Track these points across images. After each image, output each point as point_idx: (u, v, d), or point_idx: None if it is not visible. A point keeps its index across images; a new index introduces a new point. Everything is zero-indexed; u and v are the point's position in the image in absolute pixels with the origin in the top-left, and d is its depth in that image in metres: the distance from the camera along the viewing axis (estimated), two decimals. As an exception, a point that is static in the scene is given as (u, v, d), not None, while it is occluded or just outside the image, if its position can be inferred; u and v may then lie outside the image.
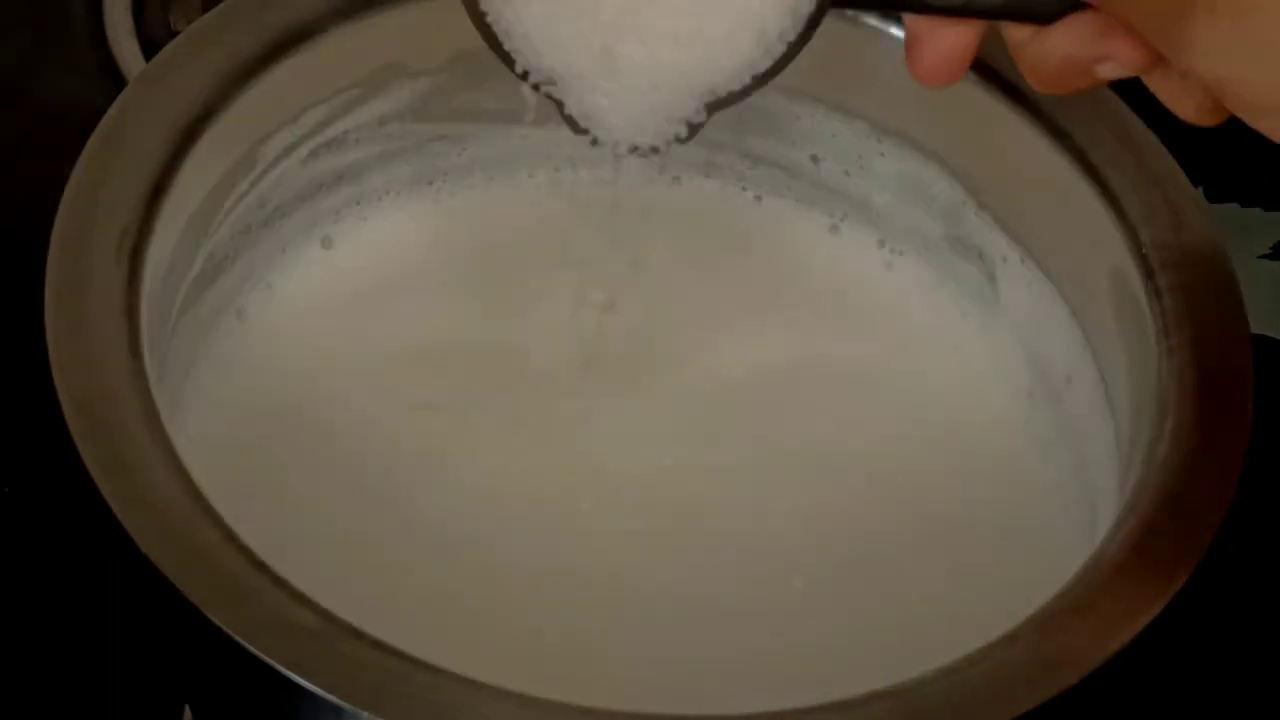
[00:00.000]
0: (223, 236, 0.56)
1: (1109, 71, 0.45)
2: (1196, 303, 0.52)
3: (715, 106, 0.47)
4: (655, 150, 0.47)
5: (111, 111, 0.53)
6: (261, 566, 0.45)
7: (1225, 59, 0.41)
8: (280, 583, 0.44)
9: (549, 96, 0.47)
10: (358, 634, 0.44)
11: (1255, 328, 0.53)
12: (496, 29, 0.46)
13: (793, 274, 0.62)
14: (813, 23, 0.46)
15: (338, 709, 0.43)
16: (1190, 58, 0.42)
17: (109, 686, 0.58)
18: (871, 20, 0.59)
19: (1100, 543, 0.48)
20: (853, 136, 0.61)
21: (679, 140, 0.47)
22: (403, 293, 0.60)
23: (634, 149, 0.47)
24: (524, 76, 0.47)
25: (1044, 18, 0.45)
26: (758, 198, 0.63)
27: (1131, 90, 0.49)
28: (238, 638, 0.43)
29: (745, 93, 0.46)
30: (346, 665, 0.43)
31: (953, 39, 0.46)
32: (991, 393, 0.59)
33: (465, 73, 0.60)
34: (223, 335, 0.57)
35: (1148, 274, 0.53)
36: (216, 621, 0.43)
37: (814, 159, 0.62)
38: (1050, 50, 0.45)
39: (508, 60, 0.47)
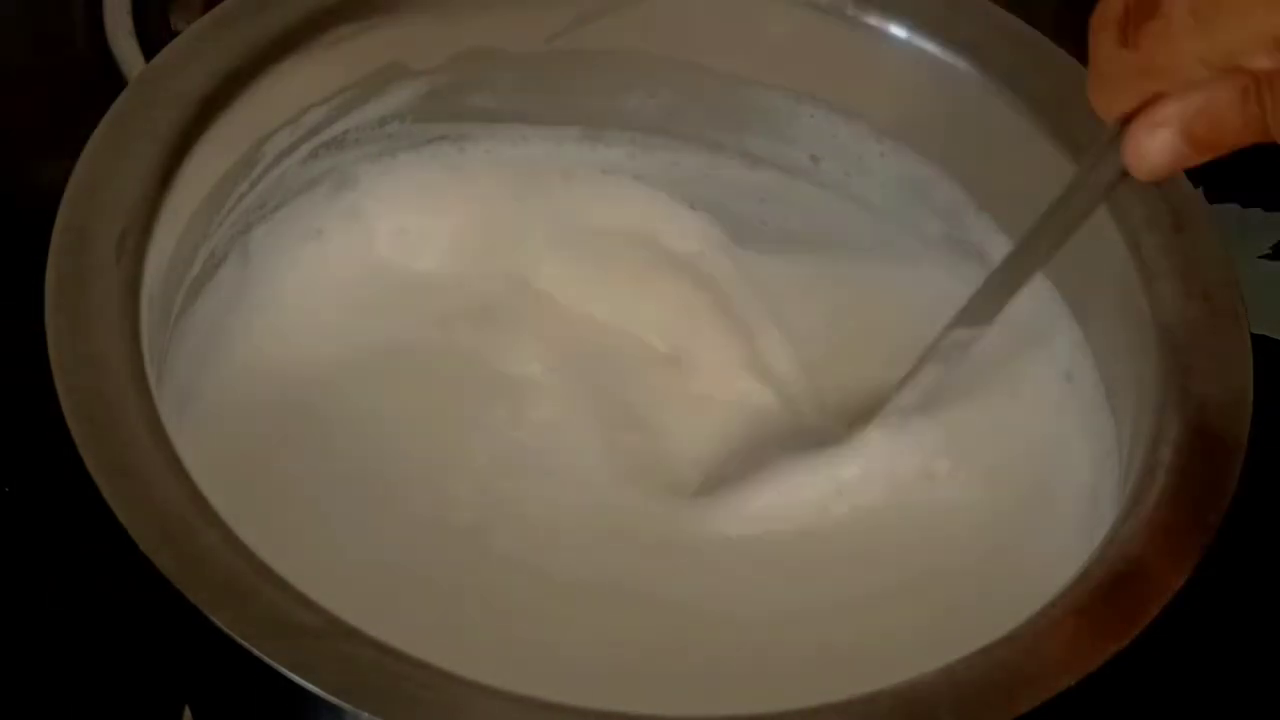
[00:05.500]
0: (223, 236, 0.56)
1: None
2: (1197, 303, 0.52)
3: None
4: None
5: (111, 111, 0.53)
6: (262, 567, 0.45)
7: None
8: (280, 583, 0.44)
9: None
10: (358, 634, 0.44)
11: (1255, 328, 0.52)
12: None
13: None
14: None
15: (338, 709, 0.43)
16: None
17: (109, 686, 0.58)
18: (871, 20, 0.59)
19: (1100, 543, 0.48)
20: (853, 136, 0.61)
21: None
22: (404, 292, 0.60)
23: None
24: None
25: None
26: (761, 199, 0.63)
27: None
28: (238, 638, 0.43)
29: None
30: (346, 665, 0.43)
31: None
32: (990, 392, 0.59)
33: (465, 73, 0.60)
34: (223, 334, 0.57)
35: (1148, 275, 0.53)
36: (217, 621, 0.43)
37: (814, 159, 0.62)
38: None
39: None
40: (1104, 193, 0.49)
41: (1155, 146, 0.44)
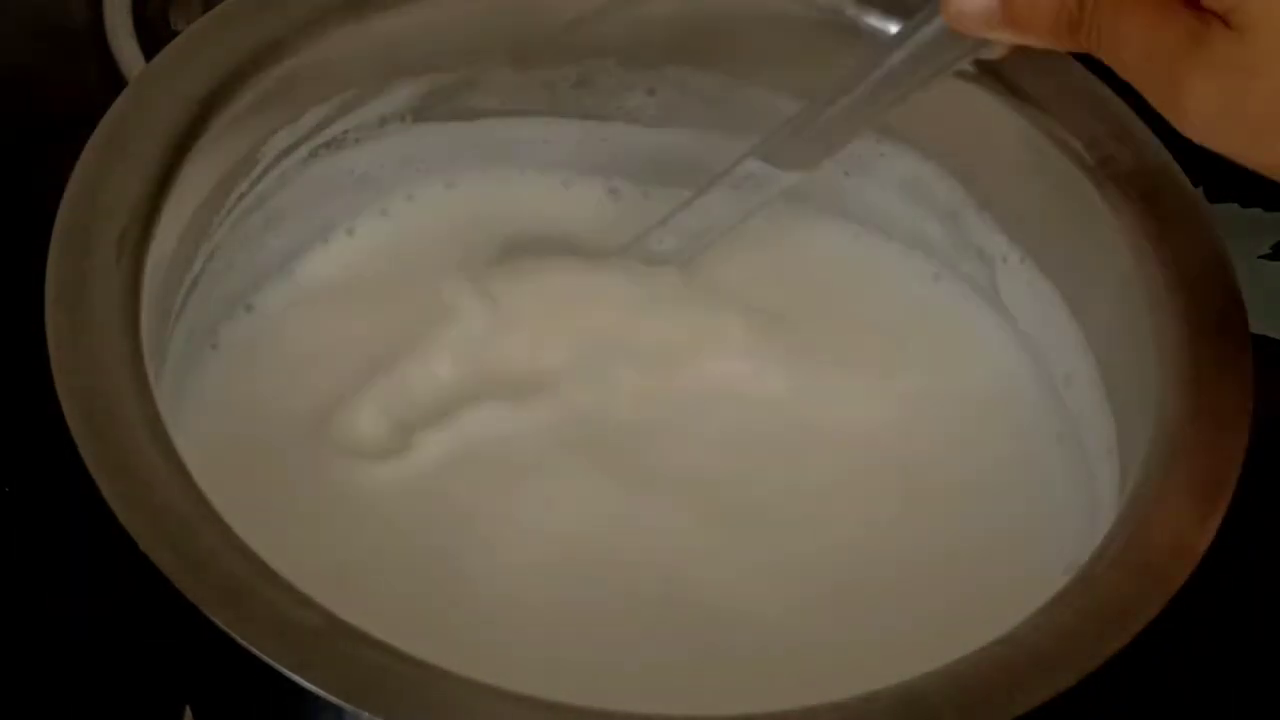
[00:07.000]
0: (223, 236, 0.56)
1: None
2: (1197, 303, 0.53)
3: None
4: None
5: (111, 111, 0.53)
6: (262, 566, 0.45)
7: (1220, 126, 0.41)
8: (280, 583, 0.44)
9: None
10: (358, 634, 0.44)
11: (1255, 328, 0.52)
12: None
13: (791, 271, 0.62)
14: None
15: (338, 709, 0.43)
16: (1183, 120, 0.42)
17: (109, 686, 0.58)
18: (872, 20, 0.59)
19: (1100, 542, 0.48)
20: (852, 137, 0.61)
21: None
22: (404, 292, 0.60)
23: None
24: None
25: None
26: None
27: (1131, 90, 0.49)
28: (238, 638, 0.43)
29: None
30: (346, 665, 0.43)
31: None
32: (990, 392, 0.59)
33: (465, 72, 0.60)
34: (223, 335, 0.57)
35: (1147, 274, 0.53)
36: (216, 621, 0.43)
37: (814, 159, 0.62)
38: None
39: None
40: (934, 53, 0.52)
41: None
